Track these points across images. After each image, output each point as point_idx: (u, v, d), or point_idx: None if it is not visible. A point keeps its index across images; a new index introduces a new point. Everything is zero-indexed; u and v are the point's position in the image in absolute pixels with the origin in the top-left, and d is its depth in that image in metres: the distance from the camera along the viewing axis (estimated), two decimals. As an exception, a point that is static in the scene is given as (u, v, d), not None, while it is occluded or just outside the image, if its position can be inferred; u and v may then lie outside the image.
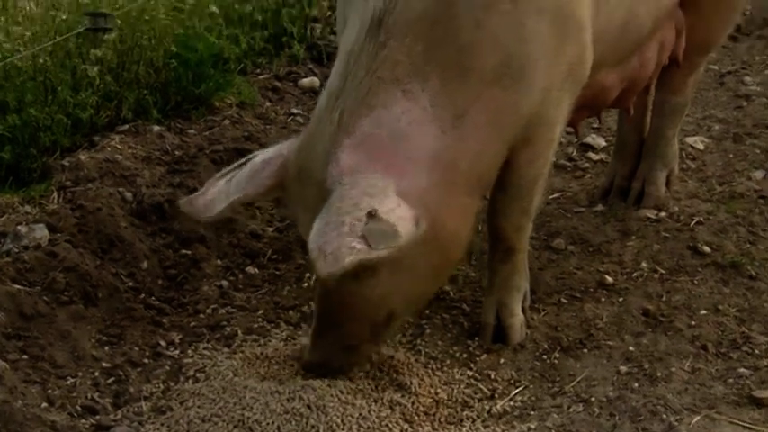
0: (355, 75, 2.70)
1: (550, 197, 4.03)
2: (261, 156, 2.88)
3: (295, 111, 4.79)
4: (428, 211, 2.60)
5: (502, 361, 3.09)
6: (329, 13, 5.57)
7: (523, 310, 3.22)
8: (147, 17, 4.35)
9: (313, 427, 2.68)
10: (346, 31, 2.84)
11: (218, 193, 2.81)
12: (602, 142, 4.53)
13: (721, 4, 3.64)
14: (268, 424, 2.69)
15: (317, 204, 2.61)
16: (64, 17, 4.15)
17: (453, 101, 2.71)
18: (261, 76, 5.02)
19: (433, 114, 2.69)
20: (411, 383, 2.92)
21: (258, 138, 4.37)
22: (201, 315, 3.31)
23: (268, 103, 4.80)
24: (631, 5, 3.17)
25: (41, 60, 3.98)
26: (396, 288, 2.75)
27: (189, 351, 3.11)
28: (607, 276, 3.52)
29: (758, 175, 4.22)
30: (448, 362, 3.07)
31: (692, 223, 3.87)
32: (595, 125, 4.49)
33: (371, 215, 2.48)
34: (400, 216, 2.53)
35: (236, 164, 2.90)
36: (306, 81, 5.11)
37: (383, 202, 2.54)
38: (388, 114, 2.67)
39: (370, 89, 2.68)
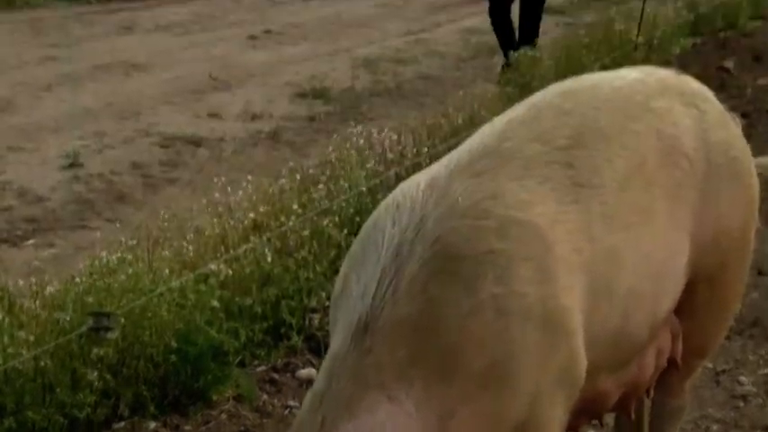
0: (339, 378, 2.68)
1: (551, 497, 3.94)
2: None
3: (292, 403, 4.75)
4: None
5: None
6: (327, 303, 5.64)
7: None
8: (149, 314, 4.40)
9: None
10: (335, 334, 2.85)
11: None
12: (600, 439, 4.49)
13: (714, 309, 3.67)
14: None
15: None
16: (68, 318, 4.19)
17: (439, 404, 2.68)
18: (259, 368, 5.02)
19: (418, 418, 2.65)
20: None
21: (254, 432, 4.34)
22: None
23: (265, 396, 4.78)
24: (626, 311, 3.19)
25: (42, 363, 3.99)
26: None
27: None
28: None
29: (763, 479, 4.17)
30: None
31: None
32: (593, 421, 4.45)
33: None
34: None
35: None
36: (303, 372, 5.10)
37: None
38: (372, 419, 2.63)
39: (354, 393, 2.65)
